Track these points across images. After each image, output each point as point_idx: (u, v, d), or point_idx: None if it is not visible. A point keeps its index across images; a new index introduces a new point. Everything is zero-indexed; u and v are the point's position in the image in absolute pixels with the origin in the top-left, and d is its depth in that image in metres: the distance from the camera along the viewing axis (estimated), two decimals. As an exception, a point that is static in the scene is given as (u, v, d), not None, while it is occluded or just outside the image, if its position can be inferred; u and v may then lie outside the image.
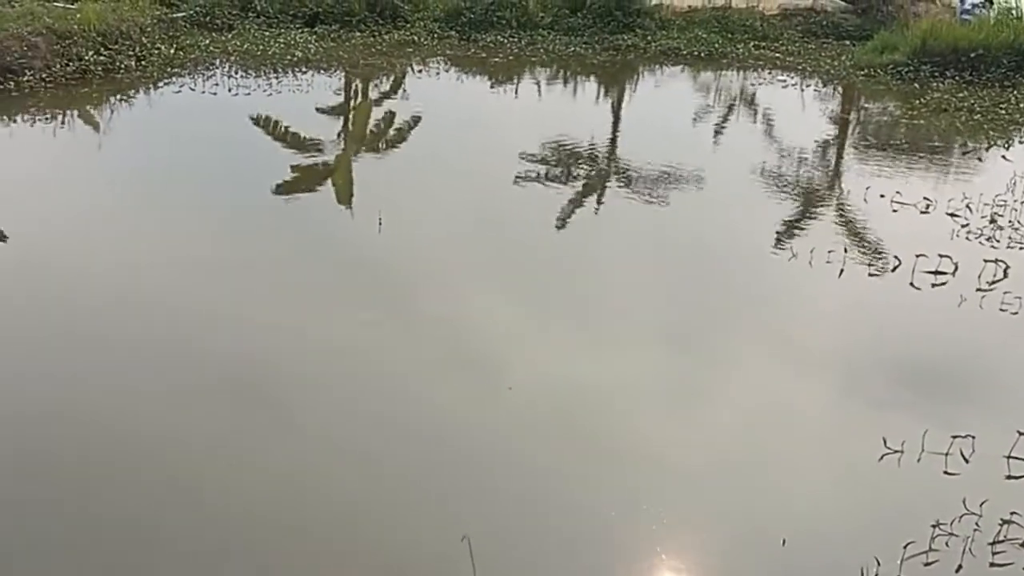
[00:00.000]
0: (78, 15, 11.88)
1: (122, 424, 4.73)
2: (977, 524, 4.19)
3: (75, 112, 10.13)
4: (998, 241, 7.39)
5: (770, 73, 14.50)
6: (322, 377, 5.31)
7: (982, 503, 4.26)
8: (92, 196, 7.88)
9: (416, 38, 15.04)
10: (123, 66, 11.68)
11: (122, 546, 3.98)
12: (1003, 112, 11.86)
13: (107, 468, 4.43)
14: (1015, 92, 12.71)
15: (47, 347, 5.44)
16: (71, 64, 11.20)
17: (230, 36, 14.03)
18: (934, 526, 4.16)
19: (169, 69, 12.05)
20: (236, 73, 12.19)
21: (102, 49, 11.67)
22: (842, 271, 6.86)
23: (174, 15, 14.33)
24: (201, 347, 5.50)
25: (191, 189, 8.18)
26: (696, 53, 15.22)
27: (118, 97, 10.85)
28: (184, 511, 4.18)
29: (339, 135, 10.34)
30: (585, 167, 9.40)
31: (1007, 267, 6.85)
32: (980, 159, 10.13)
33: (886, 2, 17.38)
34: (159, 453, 4.52)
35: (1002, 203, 8.21)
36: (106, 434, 4.68)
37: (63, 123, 9.75)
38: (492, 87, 13.07)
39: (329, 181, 8.76)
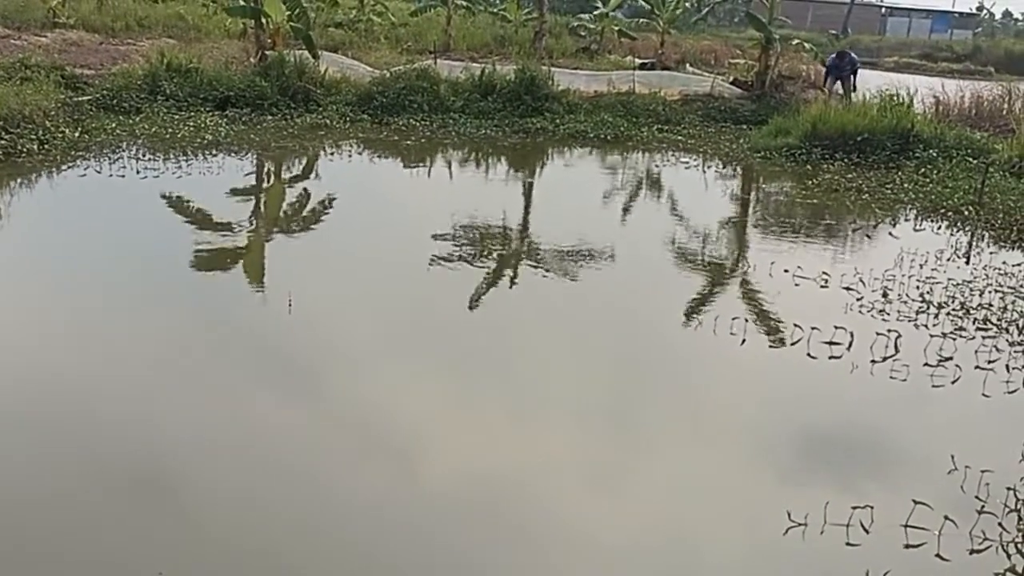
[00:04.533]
0: (-23, 99, 11.65)
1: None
2: (880, 595, 4.31)
3: (-30, 197, 9.82)
4: (888, 314, 7.77)
5: (674, 155, 15.17)
6: (223, 469, 5.13)
7: (885, 574, 4.38)
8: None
9: (329, 121, 15.22)
10: (24, 149, 11.43)
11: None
12: (888, 192, 12.62)
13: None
14: (899, 173, 13.59)
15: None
16: (-32, 149, 10.92)
17: (138, 119, 13.94)
18: (839, 598, 4.26)
19: (73, 152, 11.84)
20: (144, 155, 12.05)
21: (2, 133, 11.42)
22: (744, 340, 7.09)
23: (79, 98, 14.17)
24: (97, 440, 5.28)
25: (93, 274, 7.96)
26: (603, 136, 15.86)
27: (18, 181, 10.56)
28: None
29: (251, 217, 10.27)
30: (498, 246, 9.56)
31: (899, 336, 7.19)
32: (869, 236, 10.71)
33: (778, 89, 18.57)
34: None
35: (891, 277, 8.67)
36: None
37: (-43, 209, 9.43)
38: (405, 168, 13.26)
39: (240, 263, 8.65)
